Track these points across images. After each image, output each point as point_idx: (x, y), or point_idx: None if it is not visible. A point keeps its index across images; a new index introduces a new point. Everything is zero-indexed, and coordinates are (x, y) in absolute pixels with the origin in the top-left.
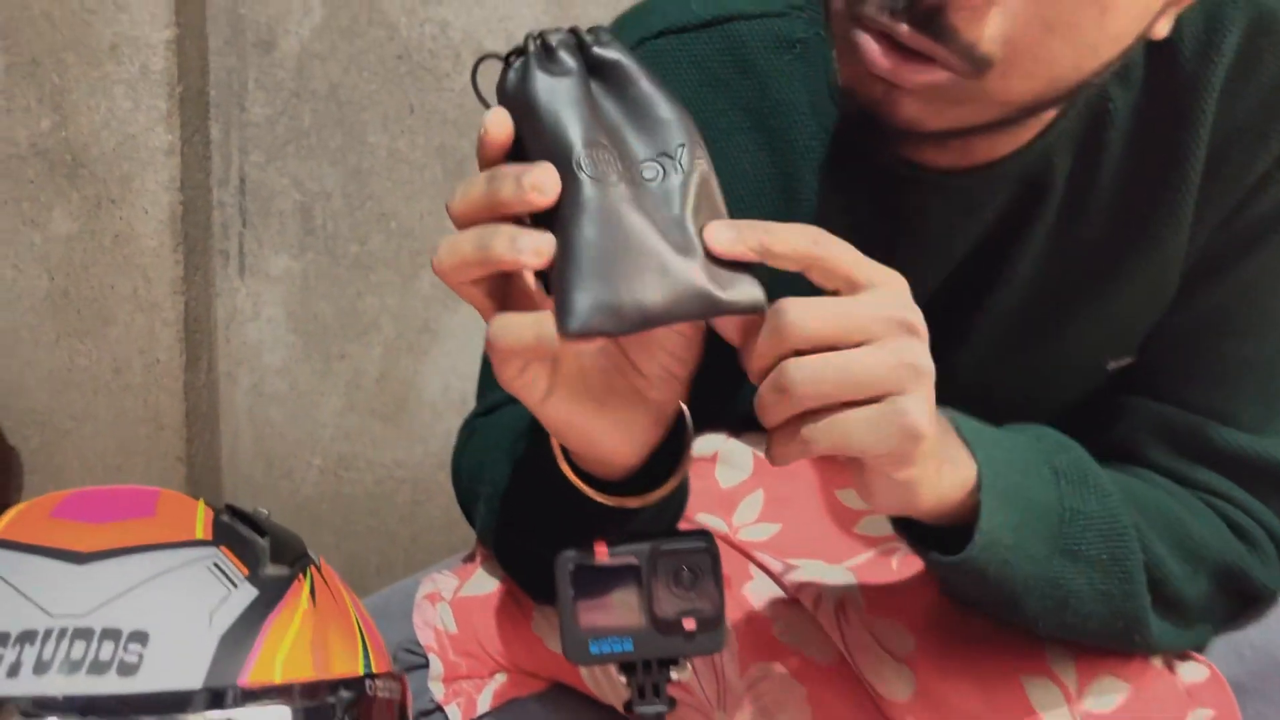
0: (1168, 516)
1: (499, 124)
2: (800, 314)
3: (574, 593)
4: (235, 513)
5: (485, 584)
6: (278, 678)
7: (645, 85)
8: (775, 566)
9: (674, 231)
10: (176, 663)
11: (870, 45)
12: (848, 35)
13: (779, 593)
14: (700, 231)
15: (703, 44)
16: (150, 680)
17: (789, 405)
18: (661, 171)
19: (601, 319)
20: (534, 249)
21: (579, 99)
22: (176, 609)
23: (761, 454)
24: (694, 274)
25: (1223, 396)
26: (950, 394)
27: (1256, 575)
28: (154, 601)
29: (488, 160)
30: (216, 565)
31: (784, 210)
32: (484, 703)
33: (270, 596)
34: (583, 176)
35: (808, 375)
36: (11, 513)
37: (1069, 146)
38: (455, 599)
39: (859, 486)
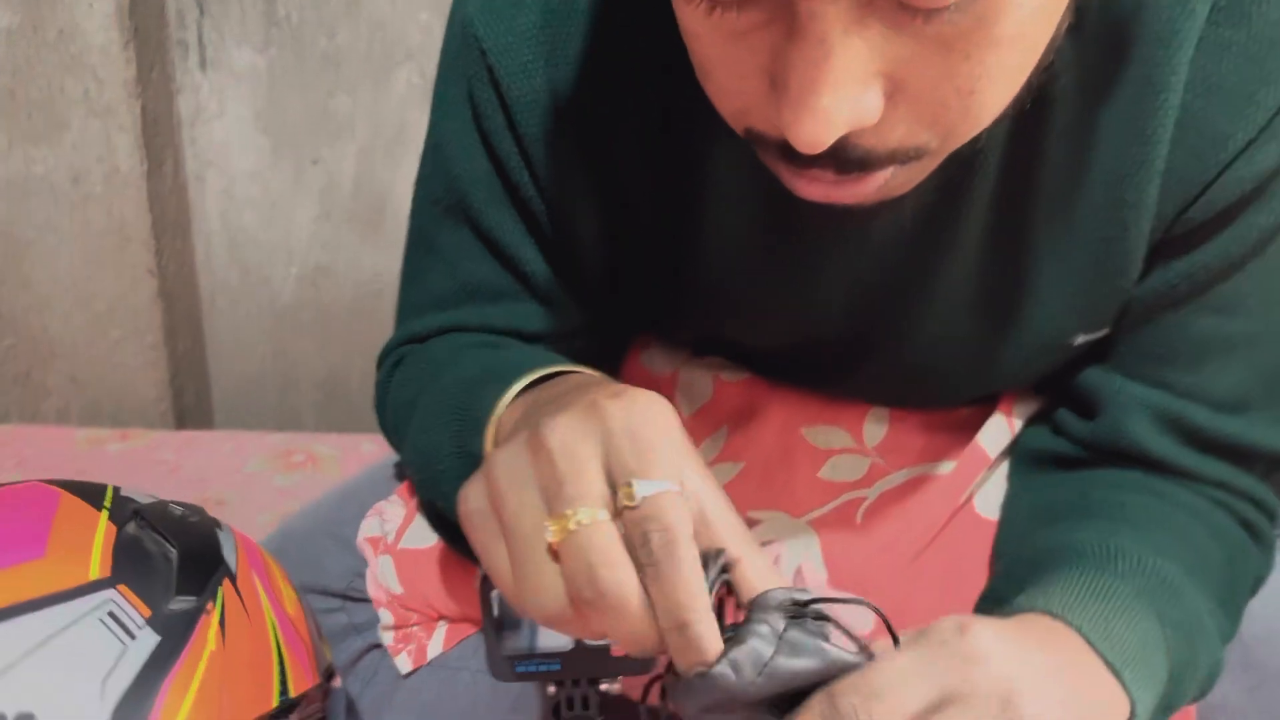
0: (1220, 584)
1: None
2: None
3: (499, 614)
4: (144, 519)
5: (427, 535)
6: None
7: None
8: None
9: None
10: None
11: (792, 180)
12: (769, 162)
13: None
14: None
15: None
16: None
17: None
18: None
19: None
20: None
21: None
22: (65, 681)
23: (724, 378)
24: None
25: (1207, 377)
26: (914, 364)
27: (1265, 574)
28: (41, 675)
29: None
30: (112, 615)
31: (682, 180)
32: (435, 648)
33: (173, 643)
34: None
35: None
36: None
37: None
38: (398, 550)
39: None
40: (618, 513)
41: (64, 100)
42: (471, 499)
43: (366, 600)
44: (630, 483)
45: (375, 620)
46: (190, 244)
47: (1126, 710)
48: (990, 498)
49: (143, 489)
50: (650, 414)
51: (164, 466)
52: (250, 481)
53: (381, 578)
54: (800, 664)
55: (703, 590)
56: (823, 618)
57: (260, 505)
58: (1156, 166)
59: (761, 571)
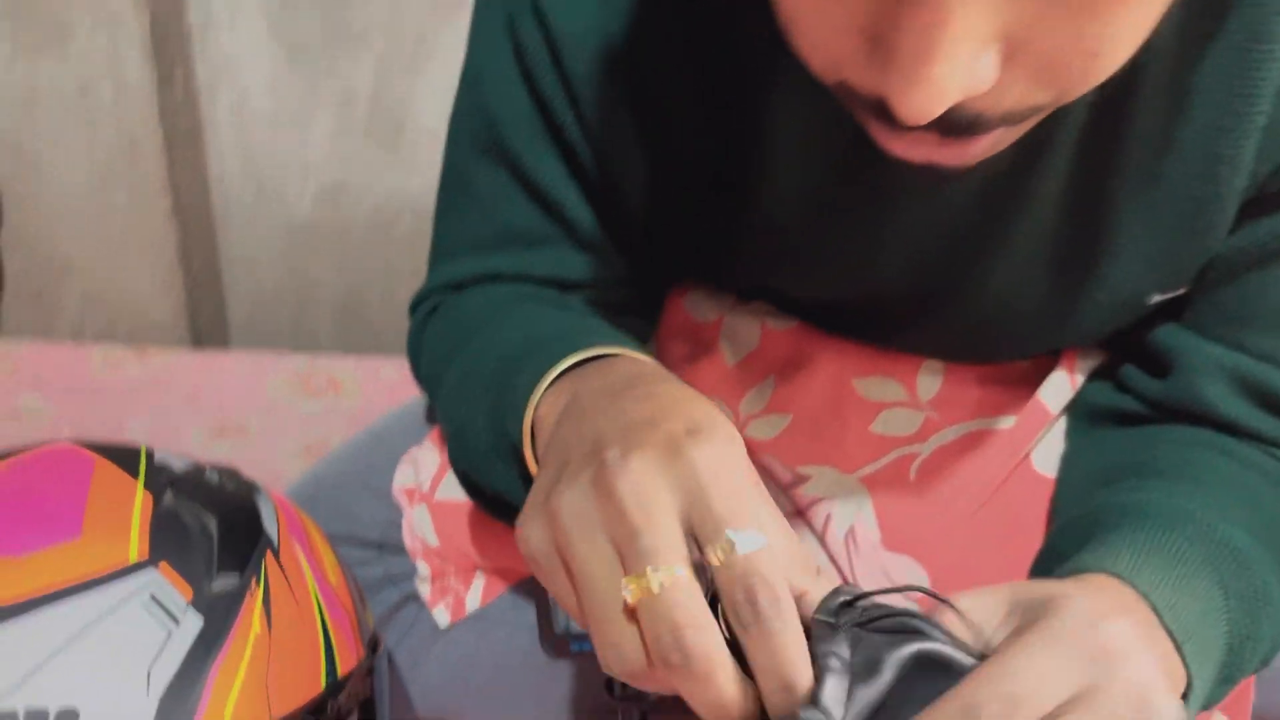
0: None
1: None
2: None
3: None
4: (180, 488)
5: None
6: None
7: None
8: (784, 476)
9: None
10: None
11: (887, 140)
12: (861, 117)
13: (783, 503)
14: None
15: None
16: None
17: None
18: None
19: None
20: None
21: None
22: (109, 672)
23: (771, 325)
24: None
25: None
26: (978, 322)
27: None
28: (84, 666)
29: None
30: (154, 598)
31: (738, 126)
32: (473, 601)
33: (217, 627)
34: None
35: None
36: None
37: None
38: (434, 502)
39: None
40: (698, 566)
41: (68, 8)
42: (534, 540)
43: (402, 550)
44: (728, 537)
45: (412, 571)
46: (203, 159)
47: (1184, 684)
48: (1049, 455)
49: (165, 418)
50: (731, 456)
51: (183, 391)
52: (272, 408)
53: (417, 529)
54: (881, 683)
55: (804, 644)
56: (886, 615)
57: (283, 433)
58: (1257, 121)
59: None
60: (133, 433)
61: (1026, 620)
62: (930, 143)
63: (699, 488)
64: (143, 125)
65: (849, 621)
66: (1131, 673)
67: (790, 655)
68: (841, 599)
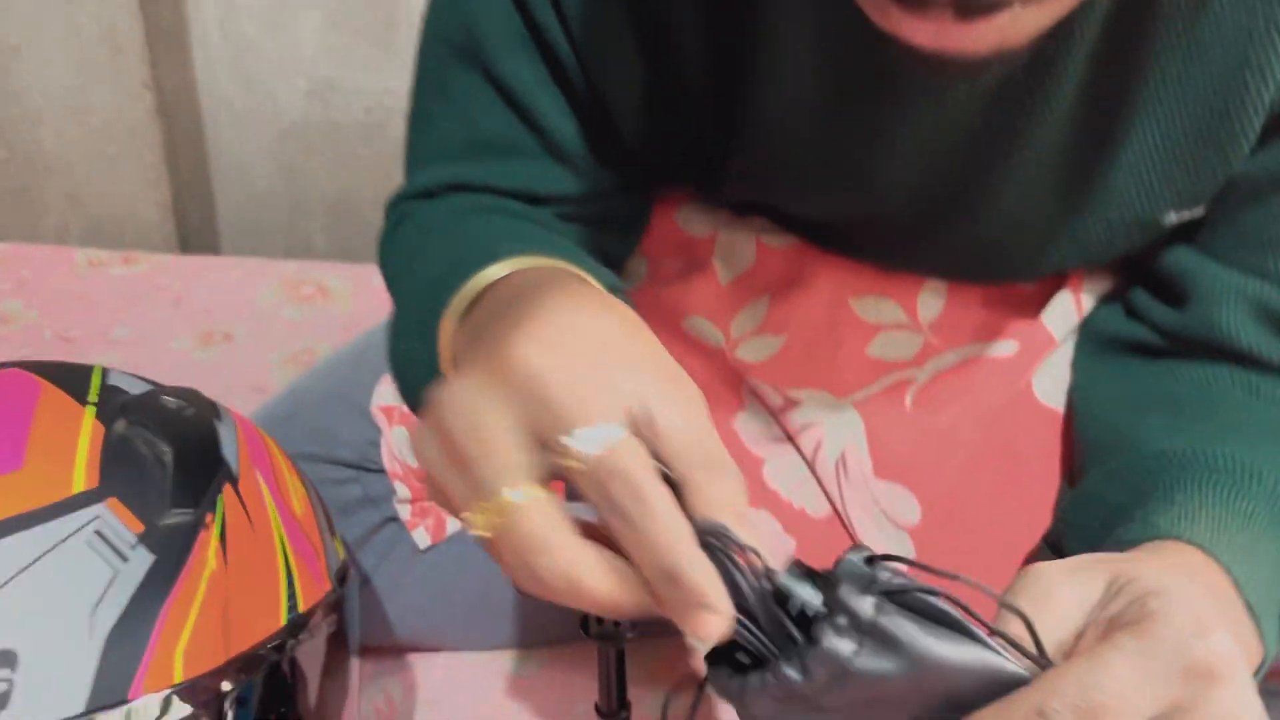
0: None
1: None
2: None
3: None
4: (133, 415)
5: None
6: (178, 676)
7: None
8: (774, 401)
9: None
10: (53, 685)
11: (898, 21)
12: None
13: (773, 428)
14: None
15: None
16: (23, 712)
17: None
18: None
19: None
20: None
21: None
22: (49, 614)
23: (767, 242)
24: None
25: None
26: (985, 240)
27: None
28: (23, 607)
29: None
30: (100, 534)
31: (736, 27)
32: (454, 523)
33: (169, 565)
34: None
35: None
36: None
37: None
38: (414, 422)
39: None
40: (553, 475)
41: None
42: (428, 488)
43: (382, 471)
44: (566, 443)
45: (391, 492)
46: (188, 55)
47: (1259, 658)
48: (1050, 382)
49: (149, 323)
50: (568, 344)
51: (168, 295)
52: (259, 314)
53: (397, 449)
54: (888, 666)
55: (685, 530)
56: (928, 591)
57: (269, 341)
58: None
59: (712, 499)
60: (116, 339)
61: (1123, 616)
62: (943, 21)
63: (529, 392)
64: (124, 18)
65: (879, 588)
66: (1228, 700)
67: (667, 548)
68: (866, 555)
